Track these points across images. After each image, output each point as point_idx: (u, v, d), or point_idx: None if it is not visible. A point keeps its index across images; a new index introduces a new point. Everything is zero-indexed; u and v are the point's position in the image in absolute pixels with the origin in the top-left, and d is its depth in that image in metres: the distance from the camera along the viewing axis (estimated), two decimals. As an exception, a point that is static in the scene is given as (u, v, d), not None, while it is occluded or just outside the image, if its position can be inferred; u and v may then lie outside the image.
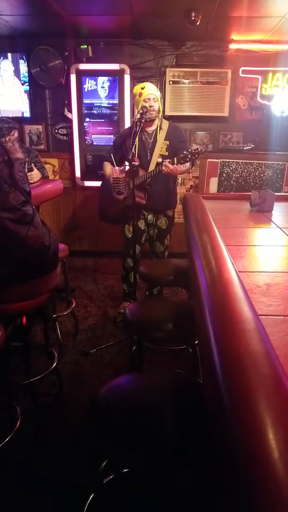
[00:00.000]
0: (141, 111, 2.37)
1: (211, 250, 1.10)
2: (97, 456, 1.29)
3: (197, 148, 2.38)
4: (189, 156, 2.36)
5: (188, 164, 2.46)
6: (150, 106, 2.45)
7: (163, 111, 3.70)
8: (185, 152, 2.38)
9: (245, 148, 3.72)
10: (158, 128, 2.58)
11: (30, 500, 1.44)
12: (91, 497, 1.28)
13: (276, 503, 0.38)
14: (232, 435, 0.47)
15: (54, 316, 2.55)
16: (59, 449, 1.66)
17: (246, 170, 3.71)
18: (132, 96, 3.75)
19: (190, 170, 3.89)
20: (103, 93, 3.77)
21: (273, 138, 3.77)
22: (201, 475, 0.91)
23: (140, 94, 2.48)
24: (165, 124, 2.61)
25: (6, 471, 1.55)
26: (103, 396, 1.03)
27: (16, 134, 2.48)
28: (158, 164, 2.53)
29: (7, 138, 2.27)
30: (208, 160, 3.69)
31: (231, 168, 3.72)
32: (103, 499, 1.33)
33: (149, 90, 2.47)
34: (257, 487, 0.40)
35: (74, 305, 2.74)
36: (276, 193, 1.98)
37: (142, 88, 2.48)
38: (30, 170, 2.63)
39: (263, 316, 0.77)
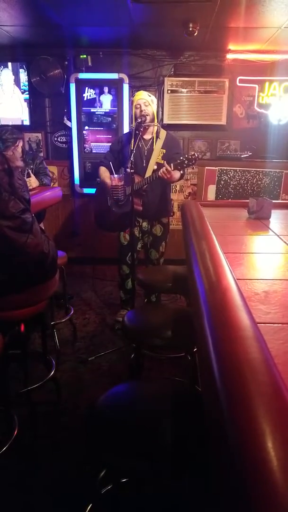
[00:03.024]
0: (139, 120, 2.40)
1: (209, 258, 1.10)
2: (96, 465, 1.27)
3: (194, 154, 2.39)
4: (185, 162, 2.37)
5: (179, 174, 2.48)
6: (141, 111, 2.47)
7: (161, 120, 3.74)
8: (181, 158, 2.40)
9: (242, 156, 3.76)
10: (155, 136, 2.60)
11: (28, 509, 1.42)
12: (89, 507, 1.26)
13: (275, 511, 0.38)
14: (231, 443, 0.47)
15: (52, 323, 2.54)
16: (57, 458, 1.65)
17: (243, 178, 3.74)
18: (130, 105, 3.82)
19: (188, 178, 3.94)
20: (102, 101, 3.81)
21: (270, 146, 3.81)
22: (200, 483, 0.90)
23: (132, 103, 2.55)
24: (163, 133, 2.63)
25: (3, 481, 1.53)
26: (101, 404, 1.02)
27: (21, 144, 2.51)
28: (154, 171, 2.54)
29: (10, 152, 2.29)
30: (206, 168, 3.72)
31: (229, 175, 3.75)
32: (101, 509, 1.31)
33: (139, 96, 2.52)
34: (256, 495, 0.40)
35: (72, 312, 2.73)
36: (273, 201, 1.99)
37: (133, 97, 2.55)
38: (28, 175, 2.65)
39: (262, 324, 0.77)
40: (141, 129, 2.39)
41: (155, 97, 2.68)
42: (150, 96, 2.55)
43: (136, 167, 2.55)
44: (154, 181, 2.49)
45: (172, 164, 2.38)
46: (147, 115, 2.48)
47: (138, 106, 2.49)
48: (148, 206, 2.63)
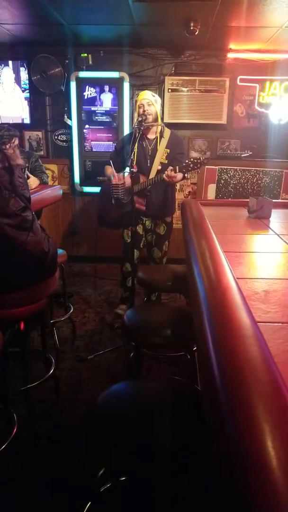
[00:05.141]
0: (139, 119, 2.40)
1: (209, 257, 1.10)
2: (95, 464, 1.27)
3: (199, 158, 2.40)
4: (191, 165, 2.38)
5: (182, 175, 2.48)
6: (144, 111, 2.48)
7: (162, 119, 3.74)
8: (187, 161, 2.40)
9: (242, 155, 3.75)
10: (159, 136, 2.60)
11: (27, 508, 1.42)
12: (88, 506, 1.26)
13: (275, 510, 0.38)
14: (231, 442, 0.47)
15: (51, 321, 2.54)
16: (56, 456, 1.65)
17: (244, 177, 3.74)
18: (132, 103, 3.81)
19: (188, 177, 3.94)
20: (102, 100, 3.81)
21: (270, 146, 3.81)
22: (199, 482, 0.90)
23: (136, 102, 2.55)
24: (167, 132, 2.63)
25: (2, 478, 1.53)
26: (100, 403, 1.02)
27: (16, 142, 2.49)
28: (158, 171, 2.54)
29: (7, 146, 2.28)
30: (206, 167, 3.71)
31: (229, 175, 3.75)
32: (100, 508, 1.31)
33: (142, 95, 2.52)
34: (255, 494, 0.40)
35: (72, 310, 2.73)
36: (273, 200, 1.99)
37: (137, 96, 2.55)
38: (27, 177, 2.63)
39: (261, 323, 0.77)
40: (143, 128, 2.39)
41: (157, 94, 2.66)
42: (154, 96, 2.54)
43: (140, 166, 2.55)
44: (159, 181, 2.49)
45: (177, 167, 2.38)
46: (150, 115, 2.48)
47: (142, 105, 2.50)
48: (152, 206, 2.63)
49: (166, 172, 2.38)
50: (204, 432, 0.88)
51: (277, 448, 0.43)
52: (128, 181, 2.48)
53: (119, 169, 2.58)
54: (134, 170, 2.30)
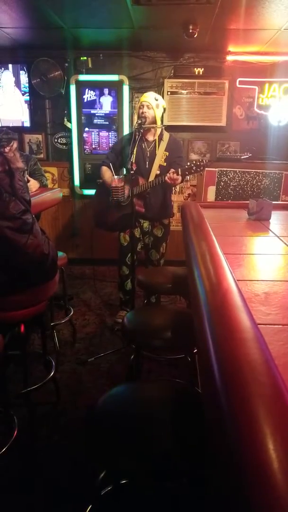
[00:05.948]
0: (139, 121, 2.41)
1: (209, 259, 1.10)
2: (95, 467, 1.27)
3: (202, 160, 2.41)
4: (194, 167, 2.39)
5: (181, 177, 2.49)
6: (142, 113, 2.49)
7: (162, 121, 3.75)
8: (189, 163, 2.41)
9: (242, 157, 3.76)
10: (158, 138, 2.60)
11: (27, 511, 1.42)
12: (88, 509, 1.26)
13: (276, 514, 0.38)
14: (231, 445, 0.47)
15: (52, 324, 2.54)
16: (57, 459, 1.64)
17: (243, 179, 3.74)
18: (131, 106, 3.83)
19: (188, 179, 3.95)
20: (102, 103, 3.82)
21: (270, 147, 3.82)
22: (199, 485, 0.90)
23: (138, 102, 2.55)
24: (166, 135, 2.64)
25: (3, 482, 1.52)
26: (101, 405, 1.02)
27: (15, 145, 2.50)
28: (157, 175, 2.54)
29: (6, 149, 2.28)
30: (206, 169, 3.72)
31: (228, 177, 3.75)
32: (100, 511, 1.31)
33: (144, 98, 2.53)
34: (256, 497, 0.40)
35: (72, 313, 2.73)
36: (273, 202, 2.00)
37: (140, 96, 2.56)
38: (27, 180, 2.64)
39: (262, 325, 0.77)
40: (141, 131, 2.40)
41: (159, 97, 2.63)
42: (157, 100, 2.53)
43: (139, 168, 2.56)
44: (158, 184, 2.50)
45: (180, 170, 2.38)
46: (146, 118, 2.49)
47: (142, 107, 2.51)
48: (150, 208, 2.63)
49: (168, 174, 2.39)
50: (205, 435, 0.87)
51: (278, 450, 0.43)
52: (125, 183, 2.48)
53: (116, 169, 2.58)
54: (133, 168, 2.30)
